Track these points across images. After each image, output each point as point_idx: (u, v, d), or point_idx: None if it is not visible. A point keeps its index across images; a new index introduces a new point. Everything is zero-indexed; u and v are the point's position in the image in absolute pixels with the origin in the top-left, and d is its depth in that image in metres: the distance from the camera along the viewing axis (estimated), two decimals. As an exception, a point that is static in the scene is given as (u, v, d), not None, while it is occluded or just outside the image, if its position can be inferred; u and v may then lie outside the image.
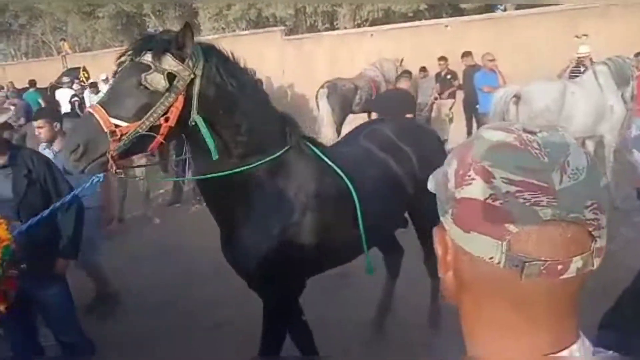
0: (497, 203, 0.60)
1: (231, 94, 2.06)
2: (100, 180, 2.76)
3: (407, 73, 7.77)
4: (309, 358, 2.75)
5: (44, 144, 4.24)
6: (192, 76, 1.95)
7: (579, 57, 7.90)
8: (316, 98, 9.24)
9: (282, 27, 14.54)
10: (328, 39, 13.43)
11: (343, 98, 9.00)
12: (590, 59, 7.80)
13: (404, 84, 7.23)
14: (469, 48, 9.83)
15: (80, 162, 1.91)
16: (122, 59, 2.00)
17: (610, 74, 6.03)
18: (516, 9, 13.24)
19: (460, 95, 10.33)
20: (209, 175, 2.15)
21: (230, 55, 2.17)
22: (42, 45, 23.35)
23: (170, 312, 4.08)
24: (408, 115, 6.98)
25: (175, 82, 1.92)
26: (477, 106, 9.26)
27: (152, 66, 1.90)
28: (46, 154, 3.50)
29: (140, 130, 1.89)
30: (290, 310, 2.57)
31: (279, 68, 12.46)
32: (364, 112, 9.06)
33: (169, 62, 1.92)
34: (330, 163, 2.44)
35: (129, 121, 1.89)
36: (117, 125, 1.87)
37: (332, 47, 12.78)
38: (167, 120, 1.93)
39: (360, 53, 11.65)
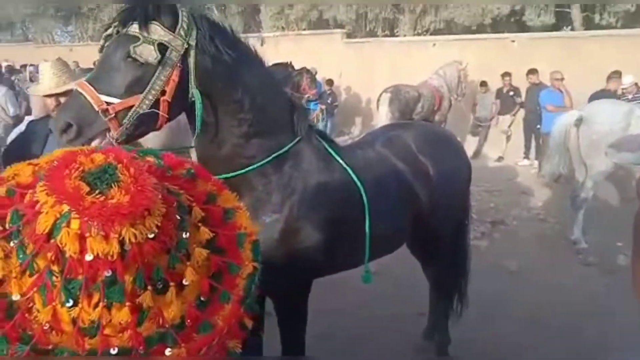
0: None
1: (229, 65, 1.88)
2: None
3: (617, 73, 7.54)
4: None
5: None
6: (185, 46, 1.79)
7: (623, 90, 7.65)
8: (377, 102, 9.20)
9: (343, 30, 14.60)
10: (389, 45, 13.42)
11: (405, 105, 8.93)
12: (637, 85, 7.60)
13: (612, 85, 6.99)
14: (535, 66, 9.64)
15: (75, 144, 1.64)
16: (109, 31, 1.82)
17: None
18: (585, 29, 12.94)
19: (521, 113, 10.15)
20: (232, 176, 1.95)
21: (223, 25, 1.97)
22: (107, 30, 24.19)
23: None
24: None
25: (168, 54, 1.77)
26: (539, 126, 9.08)
27: (141, 37, 1.74)
28: None
29: (140, 110, 1.75)
30: (304, 311, 2.35)
31: (337, 70, 12.50)
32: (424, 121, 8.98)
33: (159, 32, 1.76)
34: (340, 161, 2.28)
35: (120, 97, 1.74)
36: (108, 103, 1.72)
37: (393, 53, 12.73)
38: (163, 93, 1.78)
39: (421, 62, 11.56)
